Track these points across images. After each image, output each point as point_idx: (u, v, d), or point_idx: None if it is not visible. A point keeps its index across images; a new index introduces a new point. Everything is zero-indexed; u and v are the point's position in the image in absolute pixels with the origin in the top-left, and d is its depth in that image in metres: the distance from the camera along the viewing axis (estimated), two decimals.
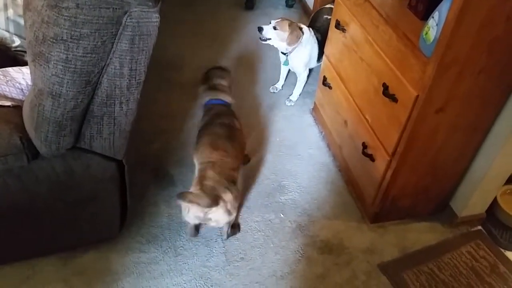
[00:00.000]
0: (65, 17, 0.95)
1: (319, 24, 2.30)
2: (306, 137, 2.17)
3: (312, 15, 2.47)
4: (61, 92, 1.04)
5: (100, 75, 1.07)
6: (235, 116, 1.80)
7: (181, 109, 2.27)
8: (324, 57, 2.06)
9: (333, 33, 1.92)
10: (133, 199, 1.56)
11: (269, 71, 2.57)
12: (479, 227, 1.80)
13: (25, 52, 1.55)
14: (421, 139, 1.47)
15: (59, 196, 1.30)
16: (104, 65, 1.05)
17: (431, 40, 1.29)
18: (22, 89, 1.31)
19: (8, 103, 1.23)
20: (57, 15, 0.96)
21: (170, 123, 2.18)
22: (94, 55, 1.01)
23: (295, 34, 2.10)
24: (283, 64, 2.30)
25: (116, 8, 0.96)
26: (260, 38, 2.16)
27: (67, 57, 0.99)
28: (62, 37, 0.97)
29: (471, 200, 1.71)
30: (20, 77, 1.30)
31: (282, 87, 2.46)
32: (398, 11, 1.54)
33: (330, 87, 2.00)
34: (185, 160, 1.97)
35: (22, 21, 1.52)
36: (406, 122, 1.43)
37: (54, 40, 0.98)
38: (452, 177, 1.69)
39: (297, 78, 2.33)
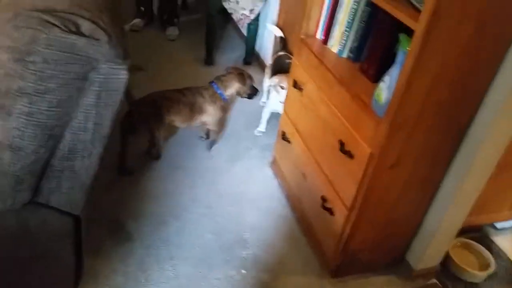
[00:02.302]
0: (31, 71, 0.96)
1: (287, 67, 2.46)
2: (266, 189, 2.20)
3: (272, 63, 2.62)
4: (21, 145, 1.02)
5: (64, 128, 1.06)
6: None
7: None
8: (283, 113, 2.14)
9: (291, 91, 2.01)
10: (88, 255, 1.50)
11: (230, 120, 2.62)
12: (434, 280, 1.85)
13: None
14: (377, 193, 1.53)
15: (11, 252, 1.22)
16: (68, 119, 1.05)
17: (383, 102, 1.39)
18: None
19: None
20: (23, 68, 0.96)
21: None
22: (59, 109, 1.01)
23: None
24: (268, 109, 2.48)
25: (84, 64, 0.98)
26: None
27: (31, 110, 0.99)
28: (26, 91, 0.97)
29: (426, 253, 1.77)
30: None
31: (265, 129, 2.58)
32: (351, 74, 1.66)
33: (289, 141, 2.06)
34: (144, 213, 1.93)
35: None
36: (362, 177, 1.49)
37: (18, 94, 0.97)
38: (407, 231, 1.75)
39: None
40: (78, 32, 0.97)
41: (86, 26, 0.98)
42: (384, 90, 1.39)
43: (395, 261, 1.85)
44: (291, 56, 2.53)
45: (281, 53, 2.63)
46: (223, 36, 3.63)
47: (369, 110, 1.45)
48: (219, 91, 2.27)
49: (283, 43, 2.71)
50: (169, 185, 2.13)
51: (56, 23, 0.95)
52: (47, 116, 1.00)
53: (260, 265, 1.80)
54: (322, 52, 1.79)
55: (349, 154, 1.54)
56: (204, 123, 2.35)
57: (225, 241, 1.89)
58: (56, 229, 1.26)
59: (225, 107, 2.35)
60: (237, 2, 2.89)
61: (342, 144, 1.58)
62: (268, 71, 2.64)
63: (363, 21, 1.64)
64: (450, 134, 1.47)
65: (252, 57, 3.29)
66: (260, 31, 3.20)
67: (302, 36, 1.88)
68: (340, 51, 1.76)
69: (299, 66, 1.90)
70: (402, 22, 1.27)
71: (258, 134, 2.58)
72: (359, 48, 1.71)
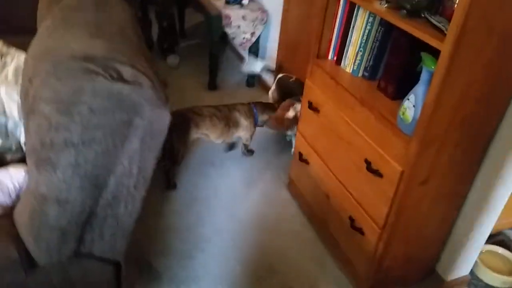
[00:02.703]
0: (77, 122, 0.94)
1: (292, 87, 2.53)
2: (286, 212, 2.19)
3: (276, 84, 2.65)
4: (68, 198, 1.00)
5: (108, 176, 1.04)
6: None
7: (158, 192, 2.22)
8: (298, 134, 2.15)
9: (306, 112, 2.02)
10: None
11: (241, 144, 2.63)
12: None
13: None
14: (408, 210, 1.54)
15: None
16: (113, 166, 1.04)
17: (410, 120, 1.41)
18: (9, 193, 1.23)
19: None
20: (68, 120, 0.95)
21: (149, 208, 2.11)
22: (105, 158, 1.00)
23: None
24: None
25: (129, 111, 0.97)
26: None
27: (77, 162, 0.97)
28: (72, 142, 0.96)
29: (456, 263, 1.78)
30: (7, 180, 1.23)
31: None
32: (369, 93, 1.68)
33: (307, 162, 2.07)
34: (168, 249, 1.90)
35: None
36: (394, 196, 1.50)
37: (63, 145, 0.96)
38: (437, 243, 1.76)
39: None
40: (122, 79, 0.96)
41: (127, 72, 0.98)
42: (410, 108, 1.41)
43: (426, 274, 1.85)
44: (292, 76, 2.58)
45: (281, 74, 2.67)
46: (222, 60, 3.66)
47: (396, 129, 1.46)
48: (255, 111, 2.39)
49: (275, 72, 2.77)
50: (190, 217, 2.10)
51: (99, 71, 0.95)
52: (93, 166, 0.99)
53: None
54: (336, 73, 1.82)
55: (377, 173, 1.55)
56: (239, 137, 2.44)
57: (254, 270, 1.86)
58: (97, 278, 1.23)
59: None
60: (239, 27, 2.92)
61: (368, 163, 1.59)
62: (273, 95, 2.66)
63: (377, 40, 1.67)
64: (475, 147, 1.49)
65: (254, 79, 3.31)
66: (261, 53, 3.24)
67: (315, 58, 1.90)
68: (355, 71, 1.79)
69: (314, 88, 1.92)
70: (419, 39, 1.30)
71: None
72: (374, 66, 1.73)
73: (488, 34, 1.20)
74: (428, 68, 1.33)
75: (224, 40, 3.11)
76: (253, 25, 3.01)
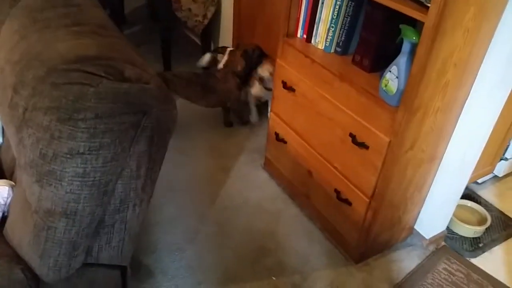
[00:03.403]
0: (82, 129, 0.87)
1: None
2: (267, 192, 2.21)
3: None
4: (76, 209, 0.94)
5: (117, 181, 0.98)
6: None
7: None
8: (271, 114, 2.15)
9: (279, 92, 2.02)
10: None
11: (209, 134, 2.58)
12: (443, 243, 2.00)
13: None
14: (395, 177, 1.61)
15: None
16: (121, 170, 0.98)
17: (394, 91, 1.45)
18: None
19: None
20: (72, 128, 0.87)
21: None
22: (113, 163, 0.93)
23: None
24: None
25: (136, 112, 0.92)
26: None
27: (85, 170, 0.90)
28: (78, 151, 0.89)
29: (434, 221, 1.90)
30: None
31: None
32: (345, 68, 1.70)
33: (284, 142, 2.08)
34: (155, 244, 1.85)
35: None
36: (382, 166, 1.55)
37: (68, 156, 0.89)
38: (418, 204, 1.86)
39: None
40: (126, 78, 0.90)
41: (129, 70, 0.92)
42: (393, 80, 1.45)
43: (407, 234, 1.97)
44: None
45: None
46: (177, 44, 3.52)
47: (380, 101, 1.50)
48: None
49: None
50: (173, 209, 2.05)
51: (100, 73, 0.88)
52: (101, 173, 0.93)
53: (287, 269, 1.82)
54: (308, 50, 1.82)
55: (363, 145, 1.60)
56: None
57: (246, 253, 1.87)
58: (104, 285, 1.18)
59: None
60: (190, 10, 2.81)
61: (353, 136, 1.63)
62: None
63: (348, 15, 1.69)
64: (452, 111, 1.57)
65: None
66: (215, 35, 3.16)
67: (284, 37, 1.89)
68: (327, 48, 1.80)
69: (286, 67, 1.91)
70: (393, 12, 1.34)
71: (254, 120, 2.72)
72: (346, 41, 1.75)
73: (467, 4, 1.25)
74: (409, 39, 1.37)
75: (174, 23, 2.99)
76: (204, 6, 2.91)
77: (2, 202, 1.15)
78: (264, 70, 2.51)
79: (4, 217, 1.15)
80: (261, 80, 2.52)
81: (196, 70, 2.71)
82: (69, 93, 0.86)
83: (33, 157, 0.91)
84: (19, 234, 1.02)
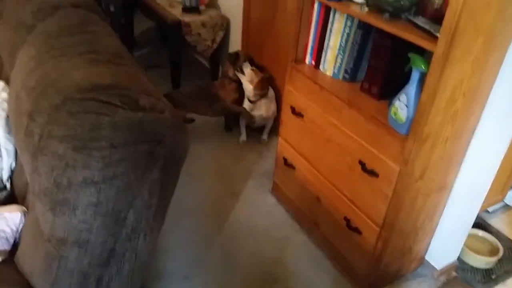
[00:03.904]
0: (97, 159, 0.88)
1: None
2: (275, 218, 2.19)
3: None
4: (89, 239, 0.93)
5: (128, 210, 0.98)
6: None
7: None
8: (280, 139, 2.15)
9: (288, 118, 2.03)
10: None
11: (219, 158, 2.58)
12: (454, 274, 1.96)
13: None
14: (405, 206, 1.59)
15: None
16: (133, 199, 0.97)
17: (404, 120, 1.45)
18: (7, 238, 1.13)
19: None
20: (87, 157, 0.88)
21: None
22: (126, 193, 0.93)
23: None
24: None
25: (150, 140, 0.92)
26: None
27: (99, 200, 0.90)
28: (92, 180, 0.89)
29: (445, 251, 1.87)
30: (3, 225, 1.12)
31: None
32: (353, 95, 1.71)
33: (293, 167, 2.07)
34: (163, 271, 1.83)
35: None
36: (392, 194, 1.54)
37: (82, 185, 0.89)
38: (429, 233, 1.84)
39: None
40: (140, 108, 0.91)
41: (143, 99, 0.93)
42: (402, 108, 1.45)
43: (418, 264, 1.93)
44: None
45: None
46: (186, 66, 3.57)
47: (389, 128, 1.50)
48: None
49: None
50: (180, 234, 2.04)
51: (116, 102, 0.89)
52: (114, 202, 0.93)
53: None
54: (316, 76, 1.84)
55: (372, 173, 1.59)
56: None
57: (254, 281, 1.85)
58: None
59: None
60: (199, 34, 2.87)
61: (362, 164, 1.62)
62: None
63: (356, 43, 1.71)
64: (462, 139, 1.57)
65: None
66: (223, 58, 3.20)
67: (293, 63, 1.91)
68: (335, 74, 1.82)
69: (295, 93, 1.93)
70: (402, 40, 1.36)
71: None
72: (354, 68, 1.77)
73: (476, 34, 1.26)
74: (418, 68, 1.38)
75: (183, 47, 3.04)
76: (213, 31, 2.97)
77: (14, 229, 1.15)
78: (246, 82, 2.56)
79: (16, 243, 1.15)
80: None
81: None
82: (85, 122, 0.87)
83: (47, 185, 0.91)
84: (31, 261, 1.01)
